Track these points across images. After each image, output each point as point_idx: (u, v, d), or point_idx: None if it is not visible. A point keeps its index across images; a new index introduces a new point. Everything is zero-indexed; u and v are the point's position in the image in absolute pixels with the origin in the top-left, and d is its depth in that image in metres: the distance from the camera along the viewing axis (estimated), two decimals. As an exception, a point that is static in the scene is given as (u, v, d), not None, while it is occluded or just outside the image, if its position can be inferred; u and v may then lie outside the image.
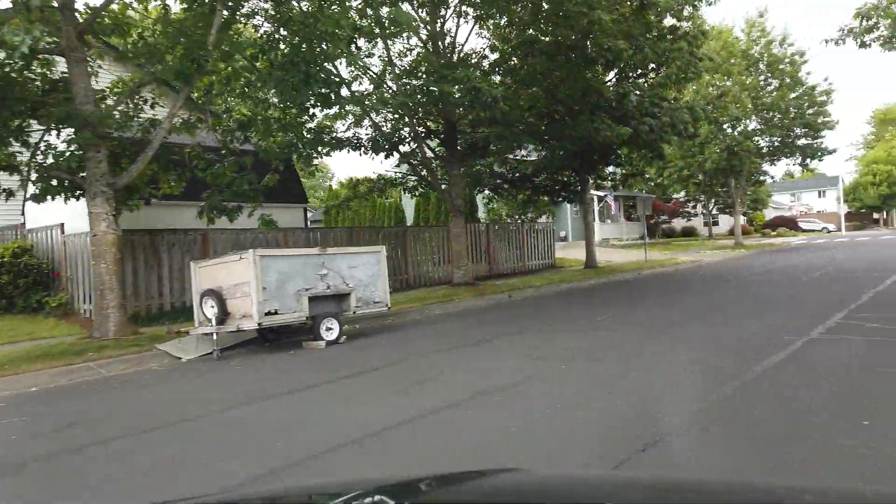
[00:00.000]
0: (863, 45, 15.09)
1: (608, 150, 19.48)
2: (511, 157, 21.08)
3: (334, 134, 15.95)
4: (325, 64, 11.12)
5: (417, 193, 18.47)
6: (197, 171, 12.58)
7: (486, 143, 16.21)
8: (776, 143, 33.62)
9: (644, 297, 13.85)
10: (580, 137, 15.06)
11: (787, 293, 12.81)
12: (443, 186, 16.68)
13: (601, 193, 36.54)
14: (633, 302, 13.28)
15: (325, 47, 10.66)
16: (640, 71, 18.61)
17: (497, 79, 16.04)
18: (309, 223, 38.12)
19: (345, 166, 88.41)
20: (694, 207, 50.23)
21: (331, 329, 9.40)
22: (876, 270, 16.14)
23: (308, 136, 14.01)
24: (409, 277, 19.04)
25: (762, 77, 32.35)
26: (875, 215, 71.16)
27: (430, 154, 16.72)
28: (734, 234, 35.98)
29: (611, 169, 24.48)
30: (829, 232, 60.30)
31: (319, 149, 15.09)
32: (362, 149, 15.85)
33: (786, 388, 5.29)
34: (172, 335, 10.03)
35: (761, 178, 37.44)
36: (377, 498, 1.53)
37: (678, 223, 61.82)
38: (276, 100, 12.60)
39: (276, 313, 8.89)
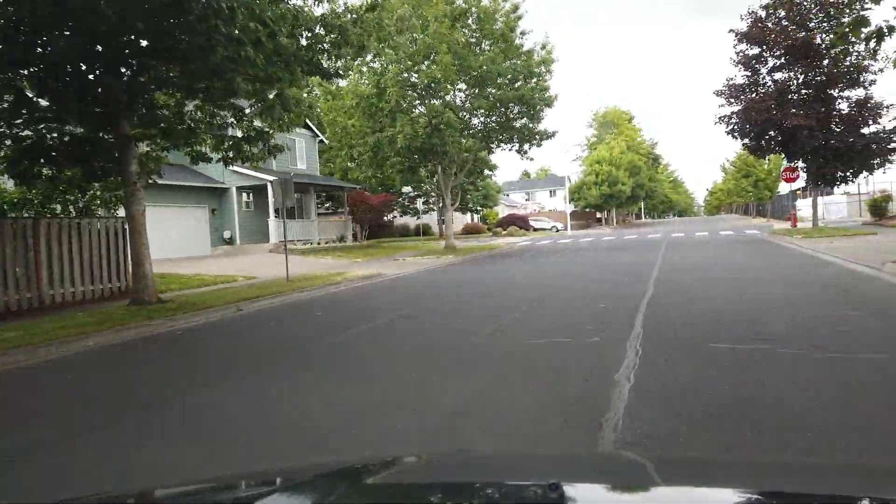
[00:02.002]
0: None
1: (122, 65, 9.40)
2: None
3: None
4: None
5: None
6: None
7: None
8: (492, 123, 26.92)
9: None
10: None
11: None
12: None
13: (270, 178, 26.71)
14: None
15: None
16: None
17: None
18: None
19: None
20: (412, 202, 43.22)
21: None
22: (604, 321, 8.28)
23: None
24: None
25: (473, 37, 25.17)
26: (598, 214, 72.44)
27: None
28: (446, 235, 28.78)
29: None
30: (557, 231, 58.74)
31: None
32: None
33: None
34: None
35: (478, 167, 30.75)
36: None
37: (411, 221, 55.20)
38: None
39: None
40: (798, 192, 51.08)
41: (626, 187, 64.48)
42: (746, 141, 25.96)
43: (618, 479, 1.52)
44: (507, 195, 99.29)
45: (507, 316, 8.85)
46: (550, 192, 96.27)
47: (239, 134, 14.35)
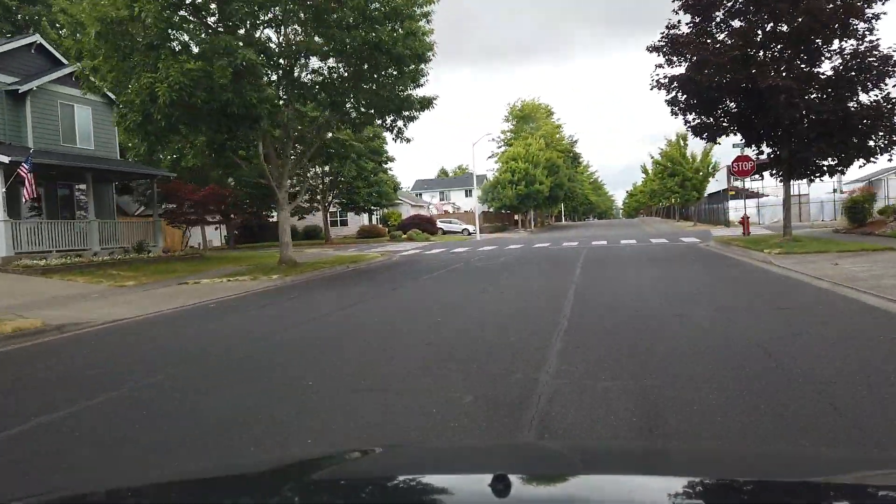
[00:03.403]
0: None
1: None
2: None
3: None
4: None
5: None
6: None
7: None
8: (341, 82, 18.60)
9: None
10: None
11: None
12: None
13: (3, 159, 17.39)
14: None
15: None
16: None
17: None
18: None
19: None
20: (292, 198, 34.32)
21: None
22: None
23: None
24: None
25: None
26: (516, 216, 65.53)
27: None
28: (281, 243, 20.19)
29: None
30: (469, 234, 51.45)
31: None
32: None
33: None
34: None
35: (337, 149, 22.33)
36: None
37: (300, 223, 46.13)
38: None
39: None
40: (731, 192, 45.20)
41: (545, 187, 57.73)
42: (692, 117, 18.78)
43: (562, 468, 1.55)
44: (420, 194, 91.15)
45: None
46: (466, 191, 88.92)
47: None
